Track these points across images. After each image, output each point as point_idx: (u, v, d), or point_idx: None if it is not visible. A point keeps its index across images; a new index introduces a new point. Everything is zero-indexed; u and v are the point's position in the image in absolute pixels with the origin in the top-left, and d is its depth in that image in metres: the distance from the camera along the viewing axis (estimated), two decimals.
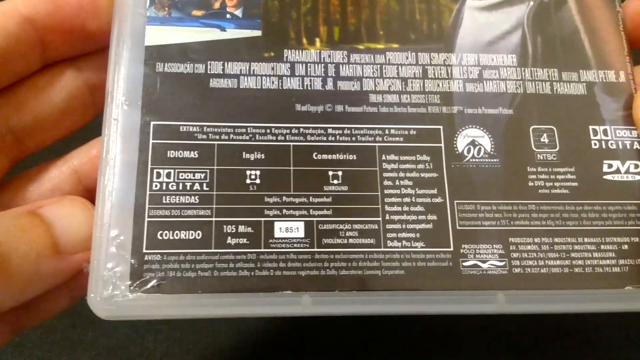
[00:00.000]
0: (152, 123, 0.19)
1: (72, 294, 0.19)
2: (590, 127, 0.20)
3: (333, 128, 0.19)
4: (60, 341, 0.27)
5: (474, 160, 0.20)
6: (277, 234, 0.18)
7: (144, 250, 0.17)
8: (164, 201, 0.18)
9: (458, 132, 0.20)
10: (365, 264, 0.18)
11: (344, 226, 0.18)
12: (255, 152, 0.19)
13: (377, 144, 0.19)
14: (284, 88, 0.20)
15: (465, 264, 0.18)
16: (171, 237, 0.18)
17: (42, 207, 0.17)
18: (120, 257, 0.17)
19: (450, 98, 0.20)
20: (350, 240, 0.18)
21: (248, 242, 0.18)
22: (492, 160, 0.20)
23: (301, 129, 0.19)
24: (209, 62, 0.20)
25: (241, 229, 0.18)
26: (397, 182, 0.19)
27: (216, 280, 0.17)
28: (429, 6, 0.21)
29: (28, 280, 0.16)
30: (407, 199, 0.19)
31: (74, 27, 0.19)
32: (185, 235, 0.18)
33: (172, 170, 0.18)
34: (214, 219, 0.18)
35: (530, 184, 0.20)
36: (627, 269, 0.19)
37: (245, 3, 0.20)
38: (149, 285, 0.17)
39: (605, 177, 0.20)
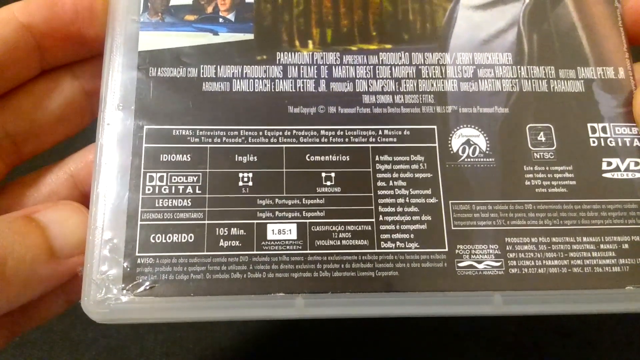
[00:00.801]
0: (145, 127, 0.19)
1: (68, 297, 0.19)
2: (589, 125, 0.20)
3: (326, 129, 0.19)
4: (60, 341, 0.27)
5: (469, 160, 0.19)
6: (270, 236, 0.18)
7: (137, 254, 0.18)
8: (157, 204, 0.18)
9: (453, 132, 0.20)
10: (358, 266, 0.18)
11: (337, 227, 0.18)
12: (248, 155, 0.19)
13: (370, 145, 0.19)
14: (277, 90, 0.20)
15: (460, 264, 0.18)
16: (164, 240, 0.18)
17: (37, 212, 0.18)
18: (114, 260, 0.17)
19: (445, 98, 0.20)
20: (344, 242, 0.18)
21: (240, 244, 0.18)
22: (487, 159, 0.19)
23: (294, 131, 0.19)
24: (201, 66, 0.20)
25: (233, 231, 0.18)
26: (390, 183, 0.19)
27: (208, 283, 0.17)
28: (422, 6, 0.21)
29: (23, 284, 0.17)
30: (401, 200, 0.19)
31: (71, 34, 0.19)
32: (177, 238, 0.18)
33: (164, 174, 0.18)
34: (206, 221, 0.18)
35: (527, 183, 0.19)
36: (628, 269, 0.18)
37: (238, 7, 0.21)
38: (142, 288, 0.17)
39: (605, 175, 0.19)
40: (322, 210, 0.18)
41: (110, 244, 0.17)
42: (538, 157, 0.20)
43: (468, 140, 0.20)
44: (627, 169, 0.20)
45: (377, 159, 0.19)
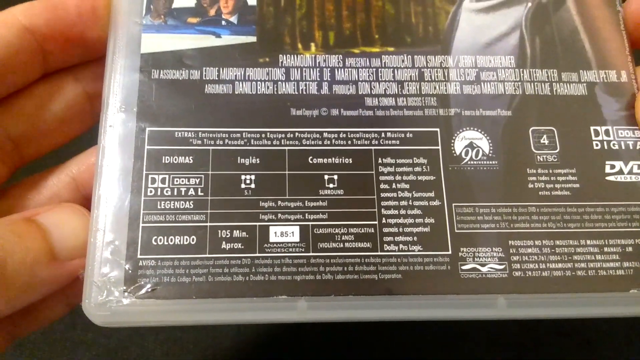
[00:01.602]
0: (147, 129, 0.19)
1: (69, 300, 0.19)
2: (592, 128, 0.20)
3: (328, 132, 0.19)
4: (60, 341, 0.27)
5: (472, 162, 0.19)
6: (272, 238, 0.18)
7: (139, 256, 0.17)
8: (159, 207, 0.18)
9: (455, 135, 0.20)
10: (361, 268, 0.18)
11: (340, 230, 0.18)
12: (251, 157, 0.19)
13: (373, 148, 0.19)
14: (279, 93, 0.20)
15: (464, 267, 0.18)
16: (166, 243, 0.18)
17: (38, 214, 0.17)
18: (115, 262, 0.17)
19: (447, 100, 0.20)
20: (346, 245, 0.18)
21: (243, 246, 0.18)
22: (490, 162, 0.19)
23: (296, 134, 0.19)
24: (204, 68, 0.20)
25: (236, 233, 0.18)
26: (393, 186, 0.19)
27: (210, 286, 0.17)
28: (424, 9, 0.21)
29: (24, 287, 0.16)
30: (403, 202, 0.19)
31: (74, 36, 0.19)
32: (179, 241, 0.18)
33: (167, 176, 0.18)
34: (208, 223, 0.18)
35: (530, 185, 0.19)
36: (632, 272, 0.18)
37: (241, 10, 0.21)
38: (143, 290, 0.17)
39: (608, 178, 0.19)
40: (324, 213, 0.18)
41: (111, 246, 0.17)
42: (541, 160, 0.20)
43: (471, 142, 0.20)
44: (630, 172, 0.20)
45: (380, 161, 0.19)
